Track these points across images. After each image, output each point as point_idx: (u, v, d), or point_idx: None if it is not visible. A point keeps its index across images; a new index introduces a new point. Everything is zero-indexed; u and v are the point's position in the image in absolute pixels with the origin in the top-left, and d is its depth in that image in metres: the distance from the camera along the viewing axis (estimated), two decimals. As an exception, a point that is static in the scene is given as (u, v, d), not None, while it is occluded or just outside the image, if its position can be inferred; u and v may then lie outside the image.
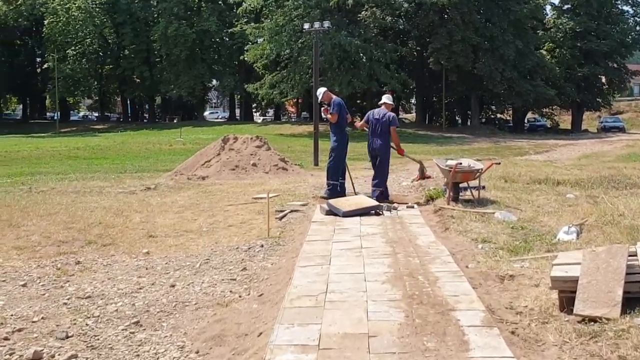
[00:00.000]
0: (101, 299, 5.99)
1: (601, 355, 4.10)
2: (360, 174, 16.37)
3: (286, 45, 47.34)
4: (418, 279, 5.85)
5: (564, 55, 57.45)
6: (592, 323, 4.54)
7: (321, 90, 12.21)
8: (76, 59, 67.50)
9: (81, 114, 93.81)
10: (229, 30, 60.87)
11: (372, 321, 4.68)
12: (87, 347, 4.79)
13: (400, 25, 55.42)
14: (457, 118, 66.85)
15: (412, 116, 71.68)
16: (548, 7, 61.91)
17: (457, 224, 8.70)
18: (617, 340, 4.25)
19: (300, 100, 68.90)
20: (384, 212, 9.95)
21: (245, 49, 52.13)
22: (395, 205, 10.60)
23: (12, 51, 73.62)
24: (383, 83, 49.06)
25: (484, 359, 4.01)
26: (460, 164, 10.86)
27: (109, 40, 71.28)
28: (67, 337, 4.95)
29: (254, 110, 77.52)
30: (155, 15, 67.62)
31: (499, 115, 66.86)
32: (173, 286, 6.38)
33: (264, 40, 49.62)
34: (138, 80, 70.36)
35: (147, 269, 7.12)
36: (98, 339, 4.93)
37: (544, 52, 57.49)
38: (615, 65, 60.32)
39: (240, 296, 5.99)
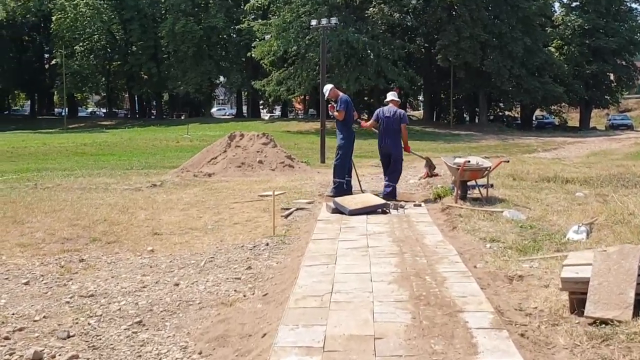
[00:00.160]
0: (104, 297, 5.92)
1: (613, 359, 4.00)
2: (367, 171, 16.31)
3: (293, 42, 47.27)
4: (425, 279, 5.76)
5: (573, 53, 57.25)
6: (604, 326, 4.44)
7: (328, 87, 12.11)
8: (84, 55, 67.67)
9: (89, 110, 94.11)
10: (237, 27, 60.88)
11: (378, 322, 4.58)
12: (89, 347, 4.71)
13: (408, 22, 55.26)
14: (464, 115, 66.70)
15: (419, 113, 71.52)
16: (556, 4, 61.83)
17: (465, 223, 8.60)
18: (630, 344, 4.15)
19: (307, 97, 68.92)
20: (390, 210, 9.85)
21: (253, 45, 52.07)
22: (402, 203, 10.49)
23: (20, 47, 74.02)
24: (390, 80, 48.90)
25: (492, 362, 3.92)
26: (469, 161, 10.74)
27: (117, 37, 71.42)
28: (69, 336, 4.88)
29: (261, 107, 77.56)
30: (163, 12, 67.74)
31: (507, 113, 66.62)
32: (177, 285, 6.30)
33: (271, 36, 49.53)
34: (145, 76, 70.46)
35: (151, 267, 7.05)
36: (100, 339, 4.86)
37: (553, 50, 57.30)
38: (623, 62, 60.11)
39: (244, 295, 5.90)
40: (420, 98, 72.04)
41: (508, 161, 13.84)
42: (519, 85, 53.15)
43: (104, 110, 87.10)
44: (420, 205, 10.50)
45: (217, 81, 75.96)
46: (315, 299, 5.22)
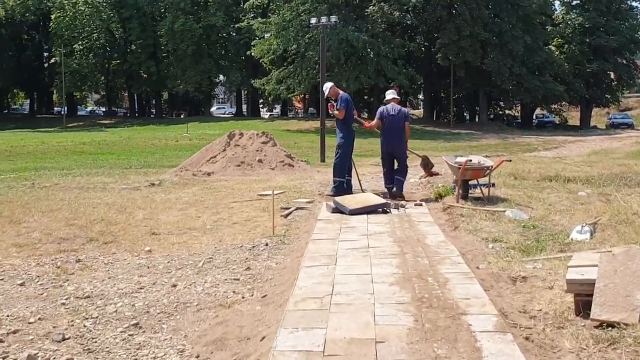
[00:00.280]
0: (100, 299, 5.81)
1: (620, 363, 3.90)
2: (367, 170, 16.22)
3: (293, 41, 47.22)
4: (427, 280, 5.66)
5: (573, 51, 57.20)
6: (610, 328, 4.33)
7: (328, 86, 11.99)
8: (83, 53, 67.64)
9: (89, 108, 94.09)
10: (236, 25, 60.89)
11: (379, 325, 4.48)
12: (84, 350, 4.61)
13: (408, 21, 55.18)
14: (465, 114, 66.64)
15: (419, 112, 71.48)
16: (557, 3, 61.85)
17: (466, 223, 8.49)
18: (637, 348, 4.04)
19: (307, 96, 68.87)
20: (391, 210, 9.75)
21: (252, 44, 52.05)
22: (403, 202, 10.40)
23: (19, 46, 73.96)
24: (390, 79, 48.84)
25: (497, 367, 3.82)
26: (470, 161, 10.64)
27: (116, 35, 71.36)
28: (64, 339, 4.77)
29: (260, 106, 77.50)
30: (162, 10, 67.63)
31: (507, 112, 66.59)
32: (175, 286, 6.20)
33: (270, 35, 49.50)
34: (145, 75, 70.44)
35: (148, 267, 6.94)
36: (95, 342, 4.76)
37: (553, 48, 57.25)
38: (624, 61, 60.11)
39: (243, 297, 5.80)
40: (420, 97, 72.00)
41: (510, 160, 13.75)
42: (519, 84, 53.11)
43: (104, 109, 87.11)
44: (421, 205, 10.38)
45: (217, 80, 75.93)
46: (315, 301, 5.12)
